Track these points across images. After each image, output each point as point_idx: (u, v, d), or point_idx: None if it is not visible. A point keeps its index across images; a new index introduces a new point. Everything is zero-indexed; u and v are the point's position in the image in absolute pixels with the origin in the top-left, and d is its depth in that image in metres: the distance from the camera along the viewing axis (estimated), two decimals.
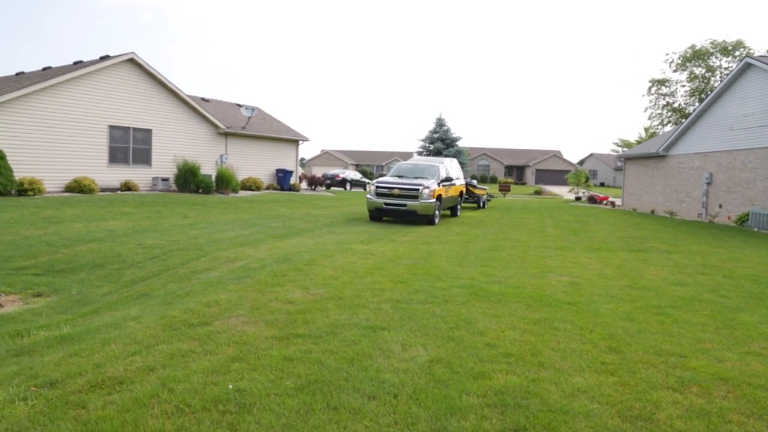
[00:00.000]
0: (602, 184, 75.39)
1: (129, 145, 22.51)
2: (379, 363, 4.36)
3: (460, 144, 36.71)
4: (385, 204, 15.84)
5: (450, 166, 19.40)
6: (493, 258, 9.82)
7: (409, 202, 15.53)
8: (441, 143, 35.09)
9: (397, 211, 15.86)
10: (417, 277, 7.68)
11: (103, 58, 21.69)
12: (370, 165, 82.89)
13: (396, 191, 15.77)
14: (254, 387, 3.83)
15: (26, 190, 17.85)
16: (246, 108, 28.97)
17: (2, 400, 3.65)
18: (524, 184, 76.49)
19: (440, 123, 36.50)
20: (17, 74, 25.54)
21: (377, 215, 16.39)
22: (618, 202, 31.15)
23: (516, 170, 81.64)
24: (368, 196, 16.36)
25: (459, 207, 20.28)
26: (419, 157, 19.93)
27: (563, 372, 4.30)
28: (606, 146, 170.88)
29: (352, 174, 44.11)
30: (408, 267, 8.54)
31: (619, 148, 71.33)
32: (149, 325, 5.34)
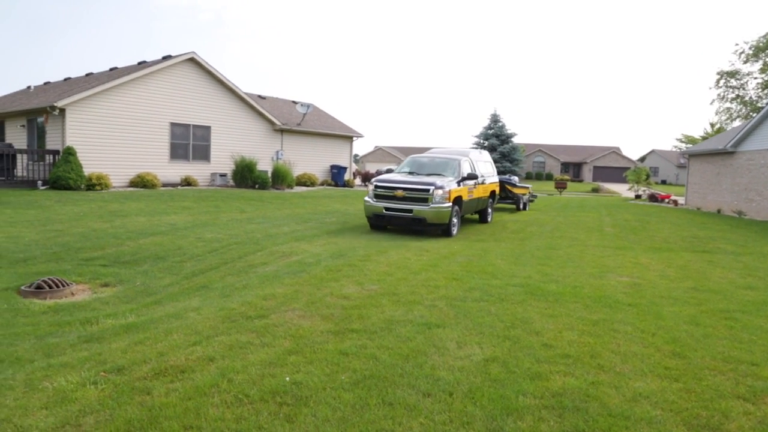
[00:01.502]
0: (664, 182, 72.63)
1: (189, 142, 23.23)
2: (434, 360, 4.34)
3: (515, 140, 36.06)
4: (386, 209, 12.18)
5: (477, 160, 15.34)
6: (550, 257, 9.62)
7: (417, 207, 11.86)
8: (495, 139, 34.58)
9: (400, 219, 12.16)
10: (472, 275, 7.60)
11: (165, 58, 22.45)
12: None
13: (399, 192, 12.08)
14: (310, 380, 3.88)
15: (94, 185, 18.70)
16: (301, 105, 29.39)
17: (75, 383, 3.84)
18: (581, 181, 74.55)
19: (495, 119, 35.98)
20: (87, 75, 26.74)
21: (377, 223, 12.74)
22: (681, 200, 29.94)
23: (572, 167, 79.66)
24: (366, 198, 12.68)
25: (490, 210, 16.18)
26: (438, 149, 16.57)
27: (624, 376, 4.17)
28: (668, 142, 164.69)
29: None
30: (462, 264, 8.47)
31: (683, 145, 68.48)
32: (209, 317, 5.50)
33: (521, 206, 21.16)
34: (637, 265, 9.12)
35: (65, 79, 27.70)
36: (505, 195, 20.21)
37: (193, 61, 22.92)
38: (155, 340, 4.80)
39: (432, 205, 11.84)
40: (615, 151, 77.18)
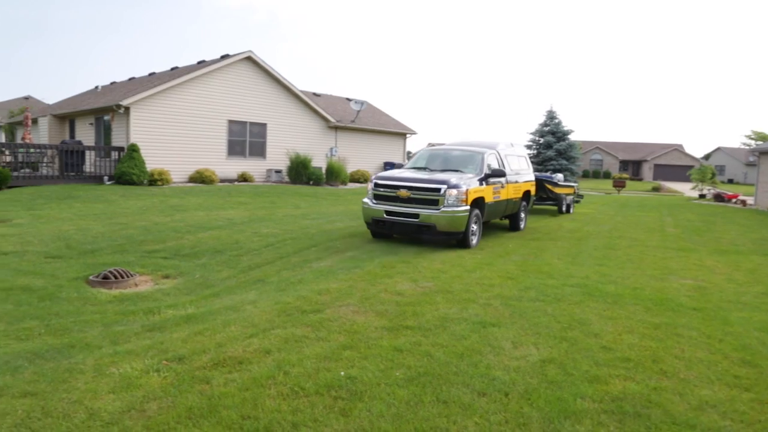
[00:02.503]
0: (731, 181, 69.34)
1: (246, 139, 23.77)
2: (489, 359, 4.28)
3: (572, 137, 35.20)
4: (387, 214, 9.81)
5: (507, 154, 12.48)
6: (608, 257, 9.34)
7: (424, 211, 9.46)
8: (551, 136, 33.85)
9: (404, 226, 9.74)
10: (527, 274, 7.47)
11: (224, 57, 23.02)
12: None
13: (403, 193, 9.69)
14: (365, 375, 3.90)
15: (156, 180, 19.40)
16: (355, 102, 29.59)
17: (140, 370, 4.00)
18: (640, 179, 72.07)
19: (551, 116, 35.22)
20: (149, 75, 27.75)
21: (377, 230, 10.36)
22: (750, 200, 28.48)
23: (632, 165, 77.09)
24: (364, 200, 10.35)
25: (523, 215, 13.13)
26: (461, 141, 13.83)
27: (688, 382, 4.00)
28: (736, 139, 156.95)
29: None
30: (517, 263, 8.33)
31: (753, 141, 65.11)
32: (265, 310, 5.61)
33: (564, 208, 18.22)
34: (702, 267, 8.74)
35: (130, 79, 28.83)
36: (544, 195, 17.64)
37: (250, 60, 23.41)
38: (214, 331, 4.93)
39: (444, 209, 9.34)
40: (677, 149, 74.24)
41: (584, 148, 64.98)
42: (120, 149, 19.79)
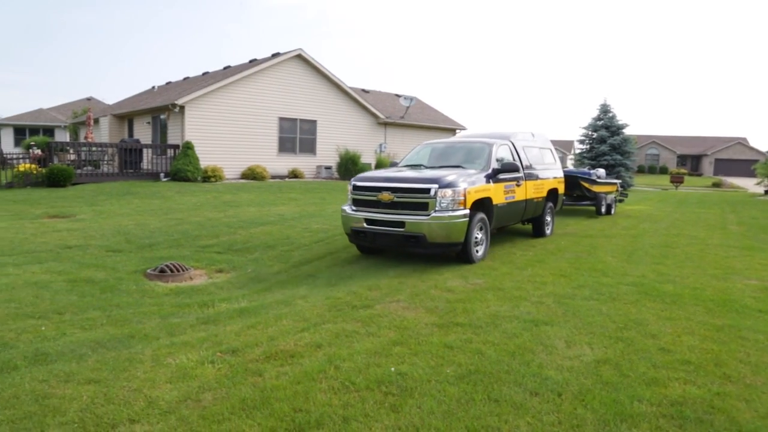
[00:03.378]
0: None
1: (296, 136, 24.11)
2: (541, 358, 4.20)
3: (627, 131, 34.03)
4: (367, 222, 7.88)
5: (526, 146, 10.51)
6: (666, 255, 9.00)
7: (411, 218, 7.49)
8: (605, 131, 32.74)
9: (387, 237, 7.71)
10: (580, 272, 7.29)
11: (274, 55, 23.40)
12: None
13: (385, 196, 7.73)
14: (415, 372, 3.89)
15: (209, 176, 19.92)
16: (404, 98, 29.55)
17: (195, 361, 4.11)
18: (700, 175, 69.28)
19: (605, 109, 34.08)
20: (203, 74, 28.48)
21: (359, 242, 8.37)
22: None
23: (690, 160, 74.18)
24: (343, 207, 8.47)
25: (549, 218, 11.13)
26: (467, 133, 11.88)
27: (755, 388, 3.80)
28: None
29: None
30: (570, 261, 8.14)
31: None
32: (316, 305, 5.68)
33: (603, 209, 15.65)
34: None
35: (184, 79, 29.67)
36: (580, 194, 15.66)
37: (300, 58, 23.70)
38: (266, 324, 5.02)
39: (435, 214, 7.37)
40: (741, 142, 70.95)
41: (639, 143, 62.90)
42: (175, 147, 20.40)
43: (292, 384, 3.70)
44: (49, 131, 40.84)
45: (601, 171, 16.95)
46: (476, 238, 7.96)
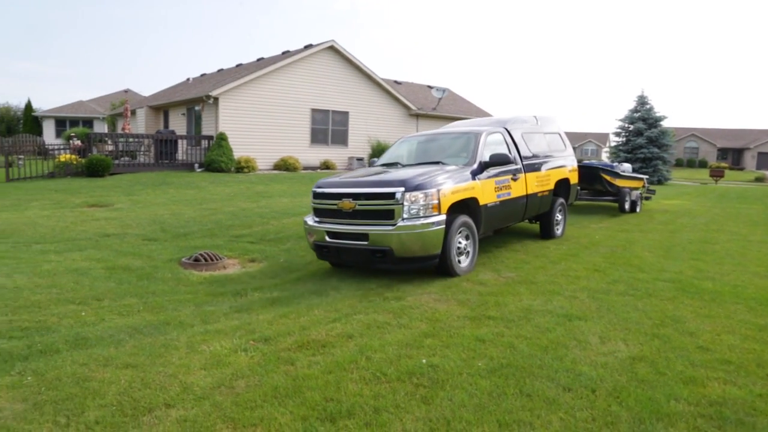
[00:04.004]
0: None
1: (328, 127, 24.21)
2: (574, 354, 4.14)
3: (665, 124, 33.16)
4: (330, 236, 6.67)
5: (527, 132, 9.14)
6: (705, 251, 8.77)
7: (375, 228, 6.31)
8: (642, 123, 31.95)
9: (352, 252, 6.58)
10: (615, 267, 7.15)
11: (307, 47, 23.48)
12: None
13: (346, 204, 6.52)
14: (447, 364, 3.88)
15: (242, 167, 20.16)
16: (436, 89, 29.38)
17: (228, 349, 4.18)
18: (742, 169, 67.18)
19: (642, 101, 33.26)
20: (237, 66, 28.78)
21: (323, 257, 7.12)
22: None
23: (732, 153, 71.95)
24: (305, 218, 7.18)
25: (560, 216, 9.75)
26: (458, 122, 10.66)
27: None
28: None
29: None
30: (605, 255, 8.00)
31: None
32: (347, 295, 5.71)
33: (627, 206, 14.14)
34: None
35: (218, 71, 30.03)
36: (602, 189, 14.12)
37: (333, 49, 23.74)
38: (298, 314, 5.07)
39: (402, 223, 6.12)
40: None
41: (678, 136, 61.23)
42: (209, 138, 20.70)
43: (323, 373, 3.73)
44: (88, 123, 41.88)
45: (627, 165, 15.83)
46: (459, 246, 6.67)
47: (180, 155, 21.03)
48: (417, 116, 27.83)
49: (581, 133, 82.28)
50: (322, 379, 3.65)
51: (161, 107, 26.91)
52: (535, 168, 8.69)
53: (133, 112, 28.54)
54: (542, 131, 9.72)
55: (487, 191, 7.24)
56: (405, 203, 6.16)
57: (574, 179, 10.31)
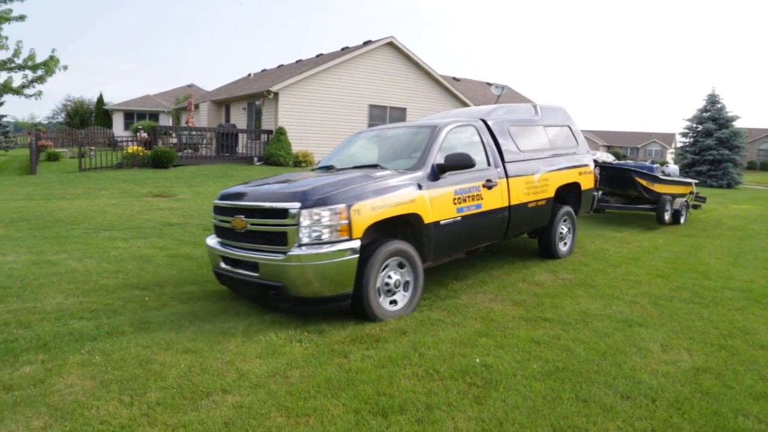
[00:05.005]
0: None
1: (385, 123, 24.27)
2: (634, 361, 4.00)
3: (737, 124, 31.53)
4: (225, 261, 5.12)
5: (511, 125, 7.03)
6: None
7: (265, 257, 4.67)
8: (712, 123, 30.45)
9: (246, 285, 4.98)
10: (679, 273, 6.87)
11: (366, 43, 23.61)
12: (623, 147, 76.30)
13: (239, 222, 4.94)
14: (500, 365, 3.82)
15: (300, 162, 20.48)
16: (495, 86, 28.95)
17: (284, 339, 4.26)
18: None
19: (712, 100, 31.66)
20: (297, 62, 29.24)
21: (225, 284, 5.44)
22: None
23: None
24: (207, 239, 5.62)
25: (564, 228, 7.66)
26: (436, 114, 8.31)
27: None
28: None
29: (603, 156, 41.34)
30: (668, 260, 7.69)
31: None
32: None
33: (667, 216, 11.69)
34: None
35: (279, 66, 30.60)
36: (635, 195, 11.88)
37: (392, 45, 23.77)
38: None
39: (296, 251, 4.53)
40: None
41: (751, 137, 58.13)
42: (269, 132, 21.13)
43: (376, 368, 3.75)
44: (154, 116, 43.48)
45: (673, 167, 13.71)
46: (387, 282, 4.92)
47: (240, 149, 21.55)
48: None
49: (645, 132, 79.20)
50: (375, 373, 3.66)
51: (223, 102, 27.66)
52: (524, 172, 6.75)
53: (197, 106, 29.44)
54: (543, 124, 7.70)
55: (440, 204, 5.38)
56: (302, 223, 4.51)
57: (587, 184, 8.14)
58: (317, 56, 27.29)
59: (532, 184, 6.83)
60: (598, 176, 8.97)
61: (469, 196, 5.78)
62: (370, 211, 4.75)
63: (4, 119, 33.59)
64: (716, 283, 6.39)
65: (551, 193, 7.20)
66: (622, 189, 11.85)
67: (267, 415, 3.12)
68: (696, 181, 14.39)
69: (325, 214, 4.53)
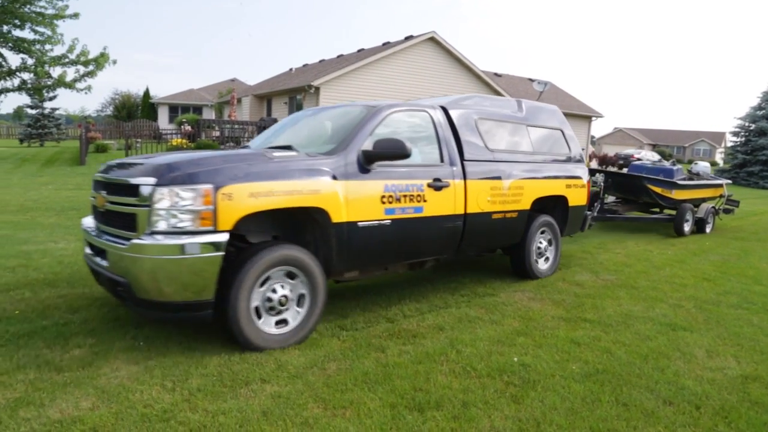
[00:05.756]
0: None
1: None
2: (677, 366, 3.89)
3: None
4: (88, 246, 4.30)
5: (481, 117, 5.78)
6: None
7: (113, 245, 3.73)
8: (766, 122, 29.34)
9: (101, 277, 4.10)
10: (727, 277, 6.65)
11: (407, 38, 23.56)
12: (669, 146, 74.09)
13: (100, 198, 4.09)
14: (539, 364, 3.78)
15: None
16: (538, 82, 28.46)
17: (321, 332, 4.30)
18: None
19: (767, 98, 30.45)
20: (338, 57, 29.39)
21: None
22: None
23: None
24: (83, 220, 4.70)
25: (541, 243, 6.38)
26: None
27: None
28: None
29: (649, 155, 40.24)
30: (716, 264, 7.45)
31: None
32: (439, 288, 5.71)
33: (687, 227, 10.17)
34: None
35: (320, 61, 30.84)
36: (649, 201, 10.55)
37: (433, 41, 23.66)
38: (389, 303, 5.12)
39: (144, 240, 3.53)
40: None
41: None
42: None
43: (413, 363, 3.75)
44: (197, 110, 44.38)
45: (702, 165, 12.33)
46: (270, 297, 3.97)
47: None
48: None
49: (693, 131, 76.69)
50: (412, 368, 3.67)
51: (264, 96, 28.05)
52: (491, 174, 5.55)
53: (239, 100, 29.94)
54: (526, 123, 6.47)
55: (360, 201, 4.33)
56: (156, 205, 3.55)
57: (577, 199, 6.77)
58: (358, 51, 27.38)
59: (499, 191, 5.59)
60: (603, 184, 8.32)
61: (405, 196, 4.63)
62: (248, 197, 3.71)
63: (57, 112, 34.82)
64: (767, 288, 6.17)
65: (526, 205, 5.94)
66: (636, 196, 10.64)
67: (304, 405, 3.16)
68: (728, 181, 12.72)
69: (185, 195, 3.53)
